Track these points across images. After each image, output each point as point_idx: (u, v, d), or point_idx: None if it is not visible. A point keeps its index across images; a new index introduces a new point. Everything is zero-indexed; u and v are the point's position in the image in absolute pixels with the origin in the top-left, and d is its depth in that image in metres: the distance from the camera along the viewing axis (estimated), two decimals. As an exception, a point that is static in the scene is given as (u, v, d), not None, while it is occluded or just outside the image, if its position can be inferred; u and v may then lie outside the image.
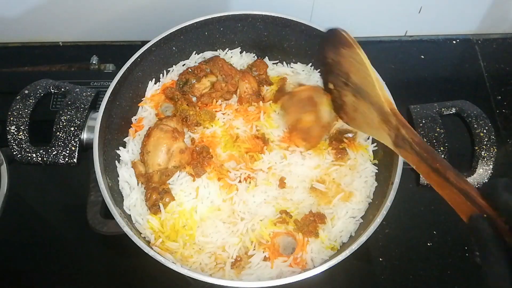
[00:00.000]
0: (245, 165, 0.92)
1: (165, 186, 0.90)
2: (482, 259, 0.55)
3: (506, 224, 0.55)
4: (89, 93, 0.95)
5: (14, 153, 0.89)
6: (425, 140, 0.89)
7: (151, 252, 0.78)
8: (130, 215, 0.89)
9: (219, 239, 0.87)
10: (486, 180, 0.86)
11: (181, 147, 0.90)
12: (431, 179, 0.69)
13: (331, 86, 0.92)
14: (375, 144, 0.97)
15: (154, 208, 0.88)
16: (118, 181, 0.93)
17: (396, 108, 0.78)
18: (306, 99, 0.92)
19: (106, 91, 0.91)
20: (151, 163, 0.89)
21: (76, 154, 0.89)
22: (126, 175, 0.93)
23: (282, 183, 0.91)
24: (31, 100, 0.91)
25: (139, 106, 1.02)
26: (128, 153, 0.96)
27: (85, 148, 0.91)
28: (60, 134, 0.90)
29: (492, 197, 0.58)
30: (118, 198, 0.90)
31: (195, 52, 1.07)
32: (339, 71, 0.87)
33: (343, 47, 0.83)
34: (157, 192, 0.88)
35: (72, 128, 0.90)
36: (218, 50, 1.09)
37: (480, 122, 0.89)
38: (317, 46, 0.93)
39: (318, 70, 1.06)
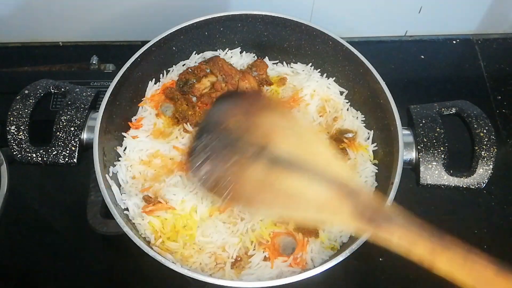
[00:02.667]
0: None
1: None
2: None
3: None
4: (89, 93, 0.95)
5: (14, 153, 0.89)
6: (425, 140, 0.89)
7: (151, 252, 0.78)
8: (130, 215, 0.89)
9: (219, 239, 0.87)
10: (486, 180, 0.86)
11: None
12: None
13: None
14: (375, 144, 0.97)
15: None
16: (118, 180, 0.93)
17: None
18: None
19: (106, 91, 0.91)
20: None
21: (76, 154, 0.89)
22: (125, 175, 0.93)
23: None
24: (31, 100, 0.91)
25: (139, 106, 1.02)
26: (128, 153, 0.96)
27: (85, 148, 0.91)
28: (60, 134, 0.90)
29: None
30: (118, 198, 0.90)
31: (195, 52, 1.07)
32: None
33: None
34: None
35: (72, 128, 0.90)
36: (218, 50, 1.08)
37: (480, 122, 0.89)
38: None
39: (318, 70, 1.06)
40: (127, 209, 0.89)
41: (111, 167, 0.93)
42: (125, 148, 0.97)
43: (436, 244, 0.55)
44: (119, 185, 0.92)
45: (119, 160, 0.95)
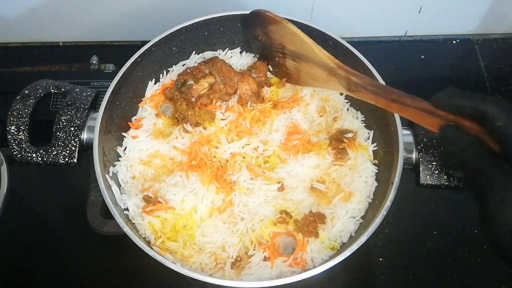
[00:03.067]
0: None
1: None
2: (460, 156, 0.65)
3: (470, 121, 0.66)
4: (89, 93, 0.95)
5: (14, 153, 0.89)
6: (425, 140, 0.90)
7: (151, 252, 0.78)
8: (130, 215, 0.89)
9: (219, 239, 0.87)
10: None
11: None
12: (392, 108, 0.77)
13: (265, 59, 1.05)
14: (375, 144, 0.97)
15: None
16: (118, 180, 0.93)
17: (339, 62, 0.87)
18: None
19: (106, 91, 0.91)
20: None
21: (76, 154, 0.89)
22: (125, 175, 0.93)
23: (281, 187, 0.91)
24: (31, 100, 0.91)
25: (139, 106, 1.02)
26: (128, 153, 0.96)
27: (85, 148, 0.91)
28: (60, 134, 0.90)
29: (446, 105, 0.69)
30: (118, 198, 0.90)
31: (195, 52, 1.07)
32: (272, 44, 0.98)
33: (270, 25, 0.95)
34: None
35: (72, 128, 0.90)
36: (218, 50, 1.09)
37: (480, 122, 0.89)
38: (242, 27, 1.03)
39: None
40: (127, 209, 0.89)
41: (111, 167, 0.92)
42: (125, 148, 0.97)
43: (387, 100, 0.77)
44: (119, 185, 0.92)
45: (119, 160, 0.95)
